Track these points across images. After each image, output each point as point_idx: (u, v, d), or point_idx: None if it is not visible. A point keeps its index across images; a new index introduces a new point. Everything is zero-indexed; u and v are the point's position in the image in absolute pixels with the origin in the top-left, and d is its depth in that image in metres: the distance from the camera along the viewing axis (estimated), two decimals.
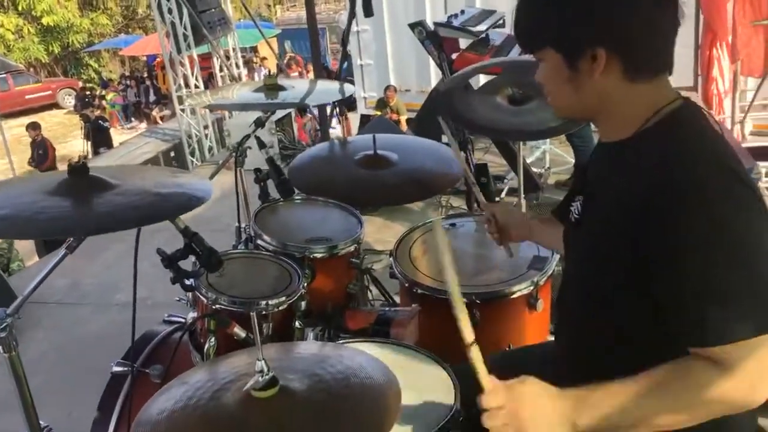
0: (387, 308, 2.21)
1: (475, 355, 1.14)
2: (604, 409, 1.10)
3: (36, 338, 4.26)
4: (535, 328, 2.11)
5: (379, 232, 4.84)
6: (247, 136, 2.37)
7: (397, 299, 2.52)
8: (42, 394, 1.78)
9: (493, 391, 1.12)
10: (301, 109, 9.11)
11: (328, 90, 2.72)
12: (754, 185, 1.11)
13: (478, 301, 1.96)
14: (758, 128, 5.48)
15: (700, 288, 1.05)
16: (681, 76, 1.23)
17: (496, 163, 5.43)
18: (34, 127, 12.23)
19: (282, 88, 2.33)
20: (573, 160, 5.49)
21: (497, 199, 5.02)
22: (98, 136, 13.40)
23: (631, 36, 1.14)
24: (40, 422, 1.60)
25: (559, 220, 1.52)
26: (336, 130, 6.52)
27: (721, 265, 1.04)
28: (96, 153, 13.02)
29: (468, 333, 1.14)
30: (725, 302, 1.04)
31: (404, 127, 7.69)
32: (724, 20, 4.68)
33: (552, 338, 2.06)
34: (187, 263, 1.67)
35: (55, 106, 20.09)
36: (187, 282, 1.71)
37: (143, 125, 16.45)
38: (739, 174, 1.09)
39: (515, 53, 4.04)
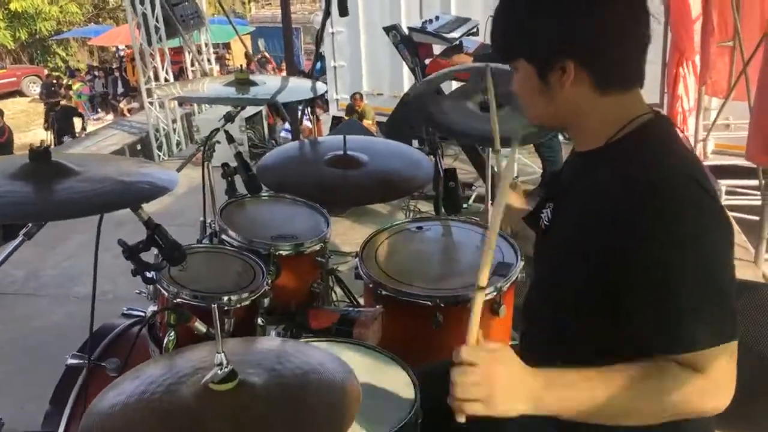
0: (350, 308, 2.20)
1: (478, 302, 1.12)
2: (573, 392, 1.11)
3: None
4: (498, 334, 2.12)
5: (346, 234, 4.83)
6: (216, 130, 2.34)
7: (362, 301, 2.52)
8: None
9: (475, 347, 1.11)
10: (275, 110, 9.05)
11: (299, 88, 2.71)
12: (718, 200, 1.14)
13: (441, 305, 1.97)
14: (720, 147, 5.62)
15: (666, 299, 1.08)
16: (647, 92, 1.26)
17: (464, 170, 5.47)
18: None
19: (253, 84, 2.32)
20: (540, 170, 5.56)
21: (465, 206, 5.06)
22: (63, 125, 13.14)
23: (599, 49, 1.17)
24: None
25: (531, 227, 1.53)
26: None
27: (687, 277, 1.07)
28: (60, 142, 12.75)
29: (484, 277, 1.12)
30: (691, 313, 1.07)
31: (373, 129, 7.70)
32: (692, 39, 4.80)
33: (513, 344, 2.08)
34: (150, 256, 1.64)
35: (19, 93, 19.63)
36: (148, 275, 1.69)
37: (110, 117, 16.17)
38: (706, 188, 1.11)
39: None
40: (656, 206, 1.08)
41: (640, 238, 1.09)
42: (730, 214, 1.20)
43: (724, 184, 4.92)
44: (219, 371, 1.19)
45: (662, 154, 1.16)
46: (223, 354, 1.20)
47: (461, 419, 1.11)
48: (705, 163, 4.85)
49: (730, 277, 1.11)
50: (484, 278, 1.12)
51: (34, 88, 19.23)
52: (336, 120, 8.39)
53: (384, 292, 2.05)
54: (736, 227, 4.38)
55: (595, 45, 1.16)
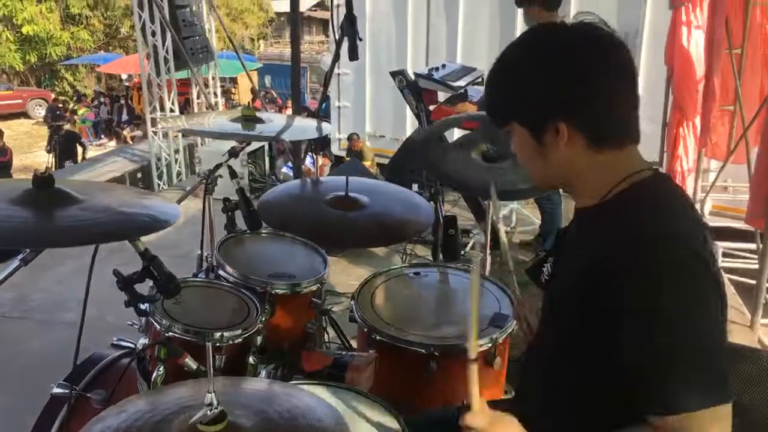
0: (344, 352, 2.18)
1: (473, 372, 1.18)
2: None
3: None
4: (491, 386, 2.09)
5: (342, 275, 4.80)
6: (220, 165, 2.35)
7: (354, 343, 2.49)
8: None
9: (480, 413, 1.16)
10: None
11: (304, 127, 2.73)
12: (710, 260, 1.12)
13: (436, 354, 1.94)
14: (716, 209, 5.65)
15: (653, 362, 1.07)
16: (647, 150, 1.27)
17: (463, 216, 5.47)
18: None
19: (259, 121, 2.33)
20: (539, 222, 5.57)
21: (462, 252, 5.05)
22: (65, 151, 13.20)
23: (589, 109, 1.19)
24: None
25: (532, 279, 1.53)
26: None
27: (670, 339, 1.06)
28: (61, 166, 12.79)
29: (473, 350, 1.18)
30: (675, 374, 1.06)
31: (372, 170, 7.73)
32: (695, 101, 4.86)
33: (507, 397, 2.05)
34: (144, 287, 1.63)
35: (24, 115, 19.77)
36: (142, 306, 1.67)
37: (112, 143, 16.25)
38: (696, 249, 1.11)
39: None
40: (640, 267, 1.09)
41: (626, 296, 1.09)
42: (726, 276, 1.19)
43: (721, 246, 4.92)
44: (208, 411, 1.17)
45: (652, 214, 1.16)
46: (213, 394, 1.18)
47: None
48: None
49: (719, 340, 1.10)
50: (474, 351, 1.18)
51: (39, 111, 19.39)
52: (337, 160, 8.44)
53: (378, 337, 2.02)
54: (731, 290, 4.36)
55: (585, 106, 1.19)
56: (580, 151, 1.21)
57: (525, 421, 1.32)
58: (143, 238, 1.50)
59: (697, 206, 5.40)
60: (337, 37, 2.76)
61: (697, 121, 5.04)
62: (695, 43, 4.80)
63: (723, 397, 1.06)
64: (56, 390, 1.95)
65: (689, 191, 5.41)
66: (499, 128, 1.31)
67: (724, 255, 4.93)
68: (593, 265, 1.15)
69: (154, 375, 1.75)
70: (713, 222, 5.35)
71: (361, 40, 2.70)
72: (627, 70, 1.21)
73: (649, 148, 1.26)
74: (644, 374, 1.08)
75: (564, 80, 1.18)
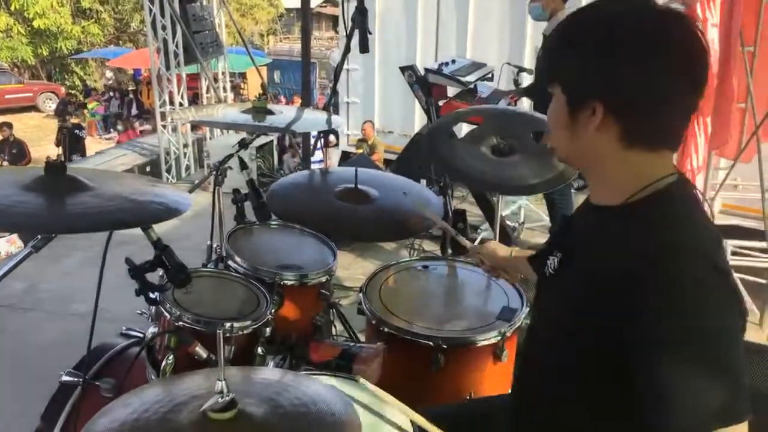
0: (352, 344, 2.18)
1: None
2: None
3: None
4: (499, 380, 2.09)
5: (350, 268, 4.81)
6: (230, 156, 2.36)
7: (361, 337, 2.49)
8: None
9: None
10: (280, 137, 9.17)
11: (315, 119, 2.73)
12: (729, 272, 1.08)
13: (444, 347, 1.95)
14: (726, 207, 5.62)
15: (669, 378, 1.02)
16: None
17: (471, 212, 5.47)
18: (8, 126, 12.28)
19: (270, 112, 2.33)
20: (547, 218, 5.56)
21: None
22: (73, 144, 13.27)
23: (635, 102, 1.12)
24: None
25: (534, 270, 1.51)
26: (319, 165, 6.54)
27: (692, 357, 1.02)
28: (69, 160, 12.86)
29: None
30: (694, 395, 1.02)
31: (380, 163, 7.73)
32: (711, 98, 4.82)
33: None
34: (154, 277, 1.64)
35: (34, 108, 19.86)
36: (152, 295, 1.67)
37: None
38: (717, 264, 1.07)
39: (501, 106, 4.12)
40: (658, 279, 1.04)
41: (644, 309, 1.04)
42: (735, 275, 1.15)
43: (729, 244, 4.89)
44: (219, 399, 1.17)
45: (678, 225, 1.11)
46: (224, 382, 1.18)
47: None
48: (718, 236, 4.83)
49: (738, 355, 1.05)
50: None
51: (50, 105, 19.47)
52: (345, 155, 8.44)
53: (386, 329, 2.03)
54: (740, 289, 4.34)
55: (632, 97, 1.11)
56: (608, 141, 1.15)
57: (523, 413, 1.30)
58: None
59: (707, 205, 5.40)
60: (347, 31, 2.76)
61: (708, 119, 5.01)
62: (712, 40, 4.76)
63: (743, 412, 1.02)
64: (65, 378, 1.97)
65: (699, 190, 5.38)
66: (545, 83, 1.25)
67: (733, 253, 4.90)
68: (615, 273, 1.09)
69: (164, 364, 1.76)
70: (723, 220, 5.32)
71: (370, 33, 2.70)
72: (697, 71, 1.12)
73: None
74: (658, 391, 1.03)
75: (622, 66, 1.10)
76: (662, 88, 1.11)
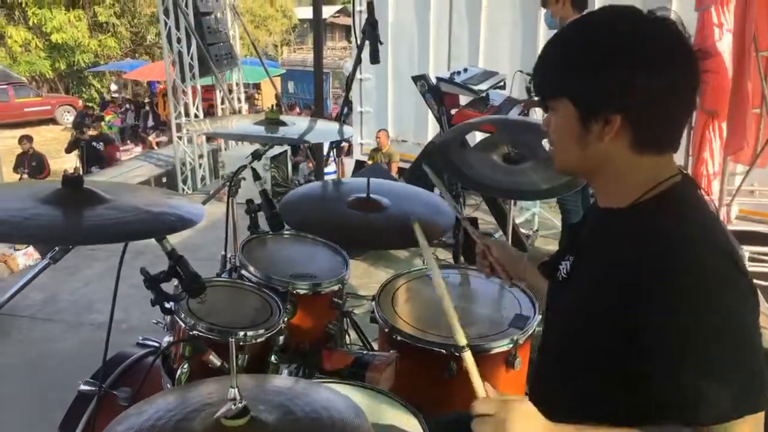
0: (364, 352, 2.19)
1: (469, 360, 1.18)
2: None
3: (4, 351, 4.17)
4: (512, 387, 2.09)
5: (363, 278, 4.82)
6: (243, 167, 2.38)
7: (375, 346, 2.50)
8: (2, 407, 1.74)
9: (487, 399, 1.15)
10: (294, 147, 9.22)
11: (327, 130, 2.75)
12: (745, 269, 1.11)
13: (457, 354, 1.95)
14: (743, 213, 5.57)
15: (690, 369, 1.05)
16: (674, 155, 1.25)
17: (485, 220, 5.47)
18: (28, 139, 12.46)
19: (283, 123, 2.36)
20: (560, 225, 5.54)
21: None
22: (91, 156, 13.42)
23: (651, 108, 1.14)
24: None
25: (546, 276, 1.52)
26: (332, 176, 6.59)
27: (712, 347, 1.04)
28: (88, 172, 13.00)
29: (460, 337, 1.20)
30: (715, 384, 1.04)
31: (395, 173, 7.74)
32: (726, 104, 4.79)
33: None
34: (169, 287, 1.66)
35: (53, 121, 20.14)
36: (167, 305, 1.70)
37: (138, 149, 16.48)
38: (733, 257, 1.09)
39: (513, 115, 4.13)
40: (676, 270, 1.06)
41: (659, 301, 1.06)
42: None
43: (747, 250, 4.85)
44: (232, 406, 1.19)
45: (690, 221, 1.14)
46: (237, 389, 1.20)
47: None
48: (729, 228, 4.79)
49: (756, 345, 1.07)
50: (461, 338, 1.20)
51: (68, 117, 19.73)
52: (359, 164, 8.46)
53: (399, 338, 2.04)
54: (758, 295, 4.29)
55: (650, 105, 1.14)
56: (621, 149, 1.18)
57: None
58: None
59: (723, 210, 5.36)
60: (358, 41, 2.79)
61: (723, 124, 4.97)
62: (727, 45, 4.73)
63: (760, 403, 1.04)
64: (83, 387, 2.00)
65: (715, 195, 5.34)
66: (540, 97, 1.27)
67: (750, 259, 4.86)
68: (628, 270, 1.11)
69: (179, 373, 1.78)
70: (739, 226, 5.27)
71: (381, 43, 2.73)
72: (697, 74, 1.16)
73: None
74: (677, 381, 1.05)
75: (643, 76, 1.12)
76: (677, 95, 1.15)
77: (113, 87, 21.35)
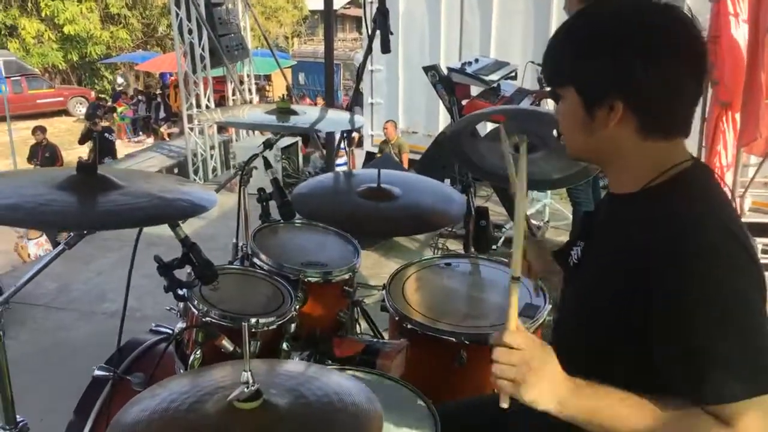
0: (375, 339, 2.20)
1: (514, 292, 1.18)
2: (596, 406, 1.13)
3: (19, 339, 4.22)
4: None
5: (374, 268, 4.84)
6: (255, 156, 2.39)
7: (386, 335, 2.52)
8: (18, 395, 1.77)
9: (518, 332, 1.16)
10: (305, 137, 9.24)
11: (338, 119, 2.76)
12: (755, 254, 1.12)
13: (467, 342, 1.96)
14: (757, 205, 5.53)
15: (700, 350, 1.06)
16: (686, 146, 1.26)
17: (495, 212, 5.46)
18: (41, 130, 12.61)
19: (294, 113, 2.36)
20: (571, 216, 5.53)
21: (494, 247, 5.04)
22: (104, 147, 13.51)
23: (651, 95, 1.15)
24: (17, 416, 1.59)
25: (559, 263, 1.53)
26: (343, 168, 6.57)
27: (721, 330, 1.06)
28: (100, 162, 13.09)
29: (517, 268, 1.19)
30: (721, 363, 1.06)
31: (405, 164, 7.74)
32: (740, 95, 4.74)
33: None
34: (182, 274, 1.68)
35: (65, 113, 20.26)
36: (180, 292, 1.72)
37: (150, 140, 16.56)
38: (743, 242, 1.10)
39: (525, 105, 4.12)
40: (686, 253, 1.07)
41: (669, 284, 1.08)
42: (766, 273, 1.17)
43: (760, 242, 4.82)
44: (245, 389, 1.20)
45: (700, 205, 1.15)
46: (249, 372, 1.21)
47: (504, 404, 1.15)
48: (743, 220, 4.75)
49: (763, 324, 1.08)
50: (517, 269, 1.19)
51: (80, 109, 19.84)
52: (370, 155, 8.46)
53: (409, 326, 2.05)
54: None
55: (650, 92, 1.15)
56: (627, 134, 1.19)
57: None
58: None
59: (737, 202, 5.32)
60: (369, 31, 2.78)
61: (737, 115, 4.92)
62: (743, 35, 4.68)
63: (766, 387, 1.05)
64: (97, 372, 2.02)
65: (728, 187, 5.30)
66: (550, 87, 1.29)
67: (763, 251, 4.83)
68: (639, 254, 1.13)
69: (191, 358, 1.80)
70: (753, 218, 5.24)
71: (392, 33, 2.72)
72: (701, 64, 1.18)
73: (687, 143, 1.24)
74: (688, 362, 1.08)
75: (639, 63, 1.13)
76: (675, 81, 1.15)
77: (119, 80, 21.41)
